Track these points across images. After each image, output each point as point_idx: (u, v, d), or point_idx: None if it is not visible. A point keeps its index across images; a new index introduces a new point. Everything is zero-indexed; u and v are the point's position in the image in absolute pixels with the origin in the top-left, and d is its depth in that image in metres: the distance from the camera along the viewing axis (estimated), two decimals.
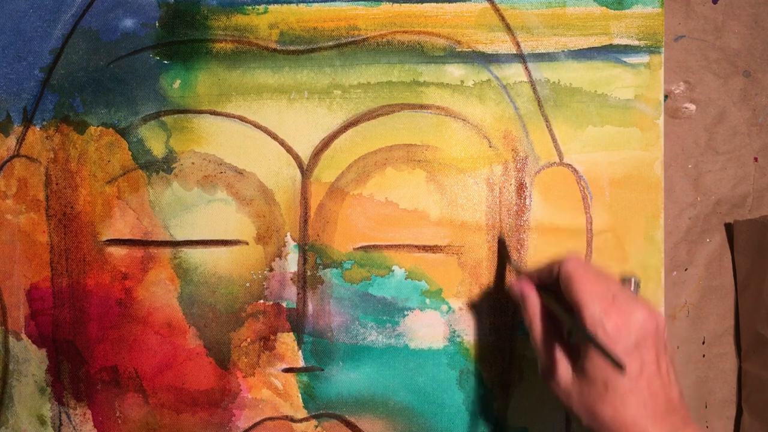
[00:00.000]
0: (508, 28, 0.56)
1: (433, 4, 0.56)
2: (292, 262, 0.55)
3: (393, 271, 0.55)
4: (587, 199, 0.56)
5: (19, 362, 0.56)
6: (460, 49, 0.56)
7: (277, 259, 0.55)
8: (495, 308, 0.55)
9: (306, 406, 0.56)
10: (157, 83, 0.56)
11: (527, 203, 0.56)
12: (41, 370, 0.56)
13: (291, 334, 0.55)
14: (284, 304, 0.55)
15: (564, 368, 0.43)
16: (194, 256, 0.56)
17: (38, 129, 0.56)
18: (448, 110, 0.56)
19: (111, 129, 0.56)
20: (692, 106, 0.61)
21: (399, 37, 0.56)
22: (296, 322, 0.55)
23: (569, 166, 0.56)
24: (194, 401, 0.56)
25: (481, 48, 0.56)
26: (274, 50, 0.56)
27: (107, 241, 0.56)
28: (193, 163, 0.56)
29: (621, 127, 0.55)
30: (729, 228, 0.62)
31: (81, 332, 0.56)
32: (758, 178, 0.62)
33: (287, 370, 0.56)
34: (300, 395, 0.56)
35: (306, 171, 0.55)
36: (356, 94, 0.56)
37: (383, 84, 0.56)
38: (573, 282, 0.42)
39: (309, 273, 0.55)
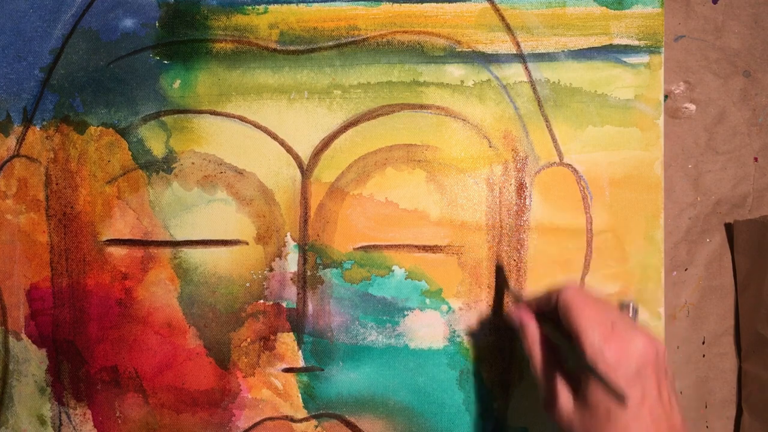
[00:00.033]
0: (508, 28, 0.56)
1: (433, 4, 0.56)
2: (292, 262, 0.55)
3: (393, 271, 0.55)
4: (587, 199, 0.56)
5: (19, 362, 0.57)
6: (460, 49, 0.56)
7: (277, 259, 0.55)
8: (495, 308, 0.55)
9: (306, 406, 0.56)
10: (157, 83, 0.56)
11: (527, 203, 0.56)
12: (41, 370, 0.56)
13: (291, 334, 0.55)
14: (284, 304, 0.55)
15: (565, 397, 0.43)
16: (194, 256, 0.56)
17: (38, 129, 0.56)
18: (448, 110, 0.56)
19: (111, 129, 0.56)
20: (692, 106, 0.61)
21: (399, 37, 0.56)
22: (296, 322, 0.55)
23: (569, 166, 0.56)
24: (194, 401, 0.56)
25: (481, 48, 0.56)
26: (274, 50, 0.56)
27: (107, 241, 0.56)
28: (193, 163, 0.56)
29: (621, 127, 0.55)
30: (729, 228, 0.62)
31: (81, 332, 0.56)
32: (758, 178, 0.62)
33: (287, 370, 0.56)
34: (300, 395, 0.56)
35: (306, 171, 0.55)
36: (356, 94, 0.56)
37: (383, 84, 0.56)
38: (571, 310, 0.42)
39: (309, 273, 0.55)
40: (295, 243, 0.55)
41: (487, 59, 0.56)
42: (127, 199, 0.56)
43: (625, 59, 0.55)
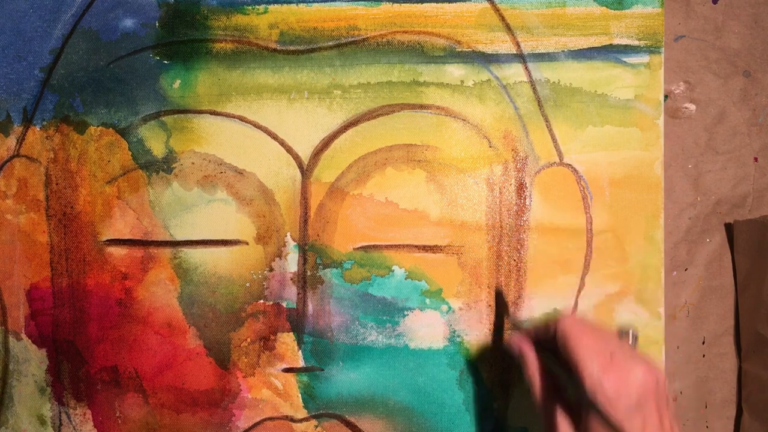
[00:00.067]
0: (508, 28, 0.56)
1: (433, 4, 0.56)
2: (292, 262, 0.55)
3: (393, 271, 0.55)
4: (587, 199, 0.56)
5: (19, 362, 0.57)
6: (460, 49, 0.56)
7: (277, 259, 0.55)
8: (495, 308, 0.55)
9: (306, 406, 0.56)
10: (157, 83, 0.56)
11: (527, 203, 0.56)
12: (41, 370, 0.56)
13: (291, 334, 0.55)
14: (284, 304, 0.55)
15: (566, 428, 0.43)
16: (194, 256, 0.56)
17: (38, 129, 0.56)
18: (448, 110, 0.56)
19: (111, 129, 0.56)
20: (692, 106, 0.61)
21: (399, 37, 0.56)
22: (296, 322, 0.55)
23: (569, 166, 0.56)
24: (194, 401, 0.56)
25: (481, 48, 0.56)
26: (274, 50, 0.56)
27: (107, 241, 0.56)
28: (193, 163, 0.56)
29: (621, 127, 0.55)
30: (729, 228, 0.62)
31: (81, 332, 0.56)
32: (758, 178, 0.62)
33: (287, 370, 0.56)
34: (300, 395, 0.56)
35: (306, 171, 0.55)
36: (356, 94, 0.56)
37: (383, 84, 0.56)
38: (569, 341, 0.42)
39: (309, 273, 0.55)
40: (295, 243, 0.55)
41: (487, 59, 0.56)
42: (127, 199, 0.56)
43: (625, 59, 0.55)
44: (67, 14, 0.57)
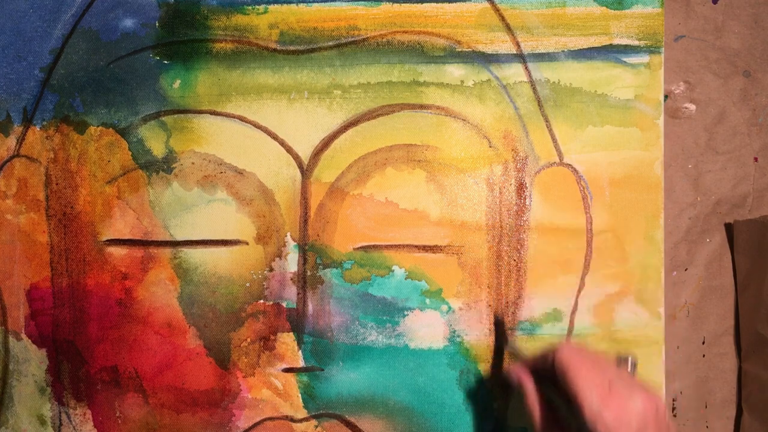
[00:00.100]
0: (508, 28, 0.56)
1: (433, 4, 0.56)
2: (292, 262, 0.55)
3: (393, 271, 0.55)
4: (587, 199, 0.56)
5: (19, 362, 0.56)
6: (460, 49, 0.56)
7: (277, 259, 0.55)
8: (495, 308, 0.55)
9: (306, 406, 0.56)
10: (157, 83, 0.56)
11: (527, 203, 0.56)
12: (41, 370, 0.56)
13: (291, 334, 0.55)
14: (284, 304, 0.55)
15: None
16: (194, 256, 0.56)
17: (38, 129, 0.56)
18: (448, 110, 0.56)
19: (111, 129, 0.56)
20: (692, 106, 0.61)
21: (399, 37, 0.56)
22: (296, 322, 0.55)
23: (569, 166, 0.56)
24: (194, 401, 0.56)
25: (481, 48, 0.56)
26: (274, 50, 0.56)
27: (107, 241, 0.56)
28: (193, 163, 0.56)
29: (621, 127, 0.55)
30: (729, 228, 0.62)
31: (81, 332, 0.56)
32: (758, 178, 0.62)
33: (287, 370, 0.56)
34: (300, 395, 0.56)
35: (306, 171, 0.55)
36: (356, 94, 0.56)
37: (383, 84, 0.56)
38: (568, 371, 0.42)
39: (309, 273, 0.55)
40: (295, 243, 0.55)
41: (487, 59, 0.56)
42: (127, 199, 0.56)
43: (625, 59, 0.55)
44: (67, 14, 0.57)
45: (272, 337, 0.55)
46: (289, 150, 0.56)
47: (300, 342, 0.55)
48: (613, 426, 0.39)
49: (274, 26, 0.56)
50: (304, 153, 0.56)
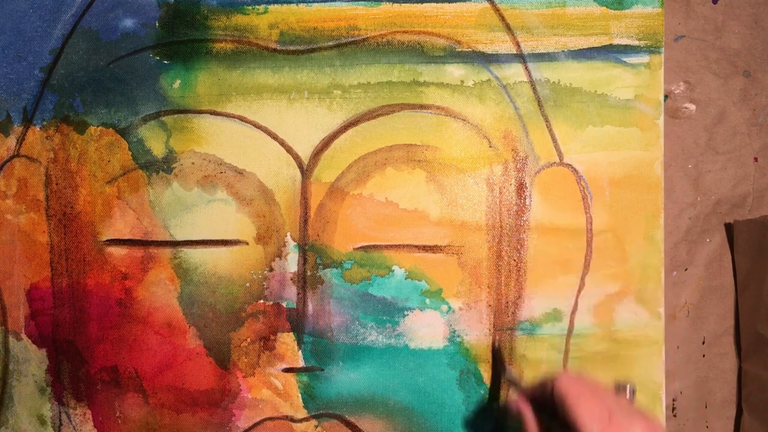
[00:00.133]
0: (508, 28, 0.56)
1: (433, 4, 0.56)
2: (292, 262, 0.55)
3: (393, 271, 0.55)
4: (587, 199, 0.56)
5: (19, 362, 0.57)
6: (460, 49, 0.56)
7: (277, 259, 0.55)
8: (495, 308, 0.55)
9: (306, 406, 0.56)
10: (157, 83, 0.56)
11: (527, 203, 0.56)
12: (41, 370, 0.56)
13: (291, 334, 0.55)
14: (284, 304, 0.55)
15: None
16: (194, 256, 0.56)
17: (38, 129, 0.56)
18: (448, 110, 0.56)
19: (111, 129, 0.56)
20: (692, 106, 0.61)
21: (399, 37, 0.56)
22: (296, 322, 0.55)
23: (569, 166, 0.56)
24: (194, 401, 0.56)
25: (481, 48, 0.56)
26: (274, 50, 0.56)
27: (107, 241, 0.56)
28: (193, 163, 0.56)
29: (621, 127, 0.55)
30: (729, 228, 0.62)
31: (81, 332, 0.56)
32: (758, 178, 0.62)
33: (287, 370, 0.56)
34: (300, 395, 0.56)
35: (306, 171, 0.55)
36: (356, 94, 0.56)
37: (383, 84, 0.56)
38: (567, 401, 0.42)
39: (309, 273, 0.55)
40: (295, 243, 0.55)
41: (487, 59, 0.56)
42: (127, 199, 0.56)
43: (625, 59, 0.55)
44: (67, 14, 0.57)
45: (272, 337, 0.55)
46: (289, 150, 0.56)
47: (300, 342, 0.55)
48: None
49: (274, 26, 0.56)
50: (304, 153, 0.56)
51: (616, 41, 0.55)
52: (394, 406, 0.56)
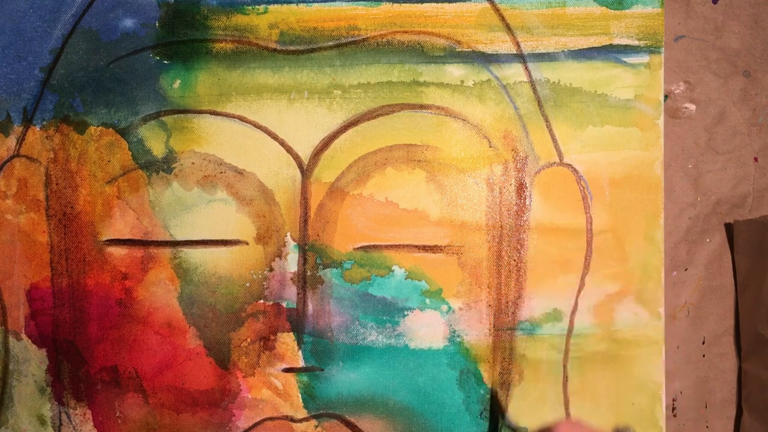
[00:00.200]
0: (508, 28, 0.56)
1: (433, 4, 0.56)
2: (292, 262, 0.55)
3: (393, 271, 0.55)
4: (587, 199, 0.56)
5: (19, 362, 0.57)
6: (460, 49, 0.56)
7: (277, 259, 0.55)
8: (495, 308, 0.55)
9: (306, 406, 0.56)
10: (157, 83, 0.56)
11: (527, 203, 0.56)
12: (41, 370, 0.56)
13: (291, 334, 0.55)
14: (284, 304, 0.55)
15: None
16: (194, 256, 0.56)
17: (38, 129, 0.56)
18: (448, 110, 0.56)
19: (111, 129, 0.56)
20: (692, 106, 0.61)
21: (399, 37, 0.56)
22: (296, 322, 0.55)
23: (569, 166, 0.56)
24: (194, 401, 0.56)
25: (481, 48, 0.56)
26: (274, 50, 0.56)
27: (107, 241, 0.56)
28: (193, 163, 0.56)
29: (621, 127, 0.55)
30: (729, 228, 0.62)
31: (81, 332, 0.56)
32: (758, 178, 0.62)
33: (287, 370, 0.56)
34: (300, 395, 0.56)
35: (306, 171, 0.55)
36: (356, 94, 0.56)
37: (383, 84, 0.56)
38: None
39: (309, 273, 0.55)
40: (295, 243, 0.55)
41: (487, 59, 0.56)
42: (127, 199, 0.56)
43: (625, 59, 0.55)
44: (67, 14, 0.57)
45: (272, 337, 0.55)
46: (289, 150, 0.56)
47: (300, 342, 0.55)
48: None
49: (274, 26, 0.56)
50: (304, 153, 0.56)
51: (616, 41, 0.55)
52: (394, 406, 0.56)
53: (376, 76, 0.56)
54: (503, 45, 0.56)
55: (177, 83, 0.56)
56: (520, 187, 0.56)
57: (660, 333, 0.55)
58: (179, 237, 0.56)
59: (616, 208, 0.55)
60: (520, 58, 0.56)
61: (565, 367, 0.55)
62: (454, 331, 0.55)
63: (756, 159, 0.62)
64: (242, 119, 0.56)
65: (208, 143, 0.56)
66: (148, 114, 0.56)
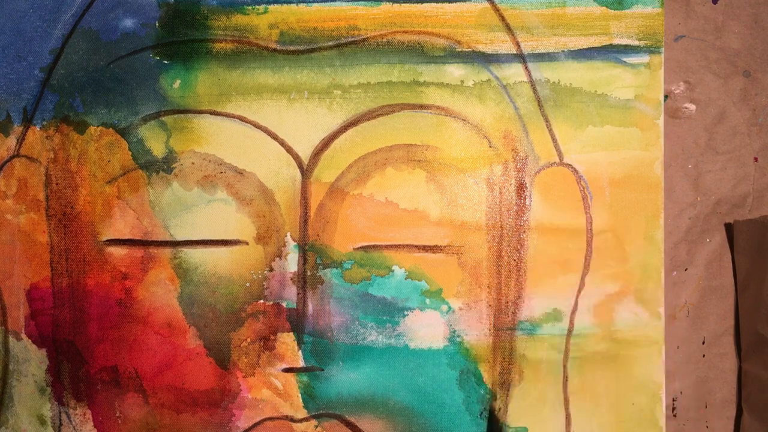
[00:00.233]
0: (508, 28, 0.56)
1: (433, 4, 0.56)
2: (292, 262, 0.55)
3: (393, 271, 0.55)
4: (587, 199, 0.56)
5: (19, 362, 0.57)
6: (460, 49, 0.56)
7: (277, 259, 0.55)
8: (495, 308, 0.55)
9: (306, 406, 0.56)
10: (157, 83, 0.56)
11: (527, 203, 0.56)
12: (41, 370, 0.56)
13: (291, 334, 0.55)
14: (284, 304, 0.55)
15: None
16: (194, 256, 0.56)
17: (38, 129, 0.56)
18: (448, 110, 0.56)
19: (111, 129, 0.56)
20: (692, 106, 0.61)
21: (399, 37, 0.56)
22: (296, 322, 0.55)
23: (569, 166, 0.56)
24: (194, 401, 0.56)
25: (481, 48, 0.56)
26: (274, 50, 0.56)
27: (107, 241, 0.56)
28: (193, 163, 0.56)
29: (621, 127, 0.55)
30: (729, 228, 0.62)
31: (81, 332, 0.56)
32: (758, 178, 0.62)
33: (287, 370, 0.56)
34: (300, 395, 0.56)
35: (306, 171, 0.55)
36: (356, 94, 0.56)
37: (383, 84, 0.56)
38: None
39: (309, 273, 0.55)
40: (295, 243, 0.55)
41: (487, 59, 0.56)
42: (127, 199, 0.56)
43: (625, 59, 0.55)
44: (67, 14, 0.57)
45: (272, 337, 0.55)
46: (289, 150, 0.56)
47: (300, 342, 0.55)
48: None
49: (274, 26, 0.56)
50: (304, 153, 0.56)
51: (616, 41, 0.55)
52: (394, 406, 0.56)
53: (376, 76, 0.56)
54: (503, 45, 0.56)
55: (177, 83, 0.56)
56: (520, 187, 0.56)
57: (660, 333, 0.55)
58: (179, 237, 0.56)
59: (616, 208, 0.55)
60: (520, 58, 0.56)
61: (565, 367, 0.55)
62: (454, 331, 0.55)
63: (756, 159, 0.62)
64: (242, 119, 0.56)
65: (208, 143, 0.56)
66: (148, 114, 0.56)
